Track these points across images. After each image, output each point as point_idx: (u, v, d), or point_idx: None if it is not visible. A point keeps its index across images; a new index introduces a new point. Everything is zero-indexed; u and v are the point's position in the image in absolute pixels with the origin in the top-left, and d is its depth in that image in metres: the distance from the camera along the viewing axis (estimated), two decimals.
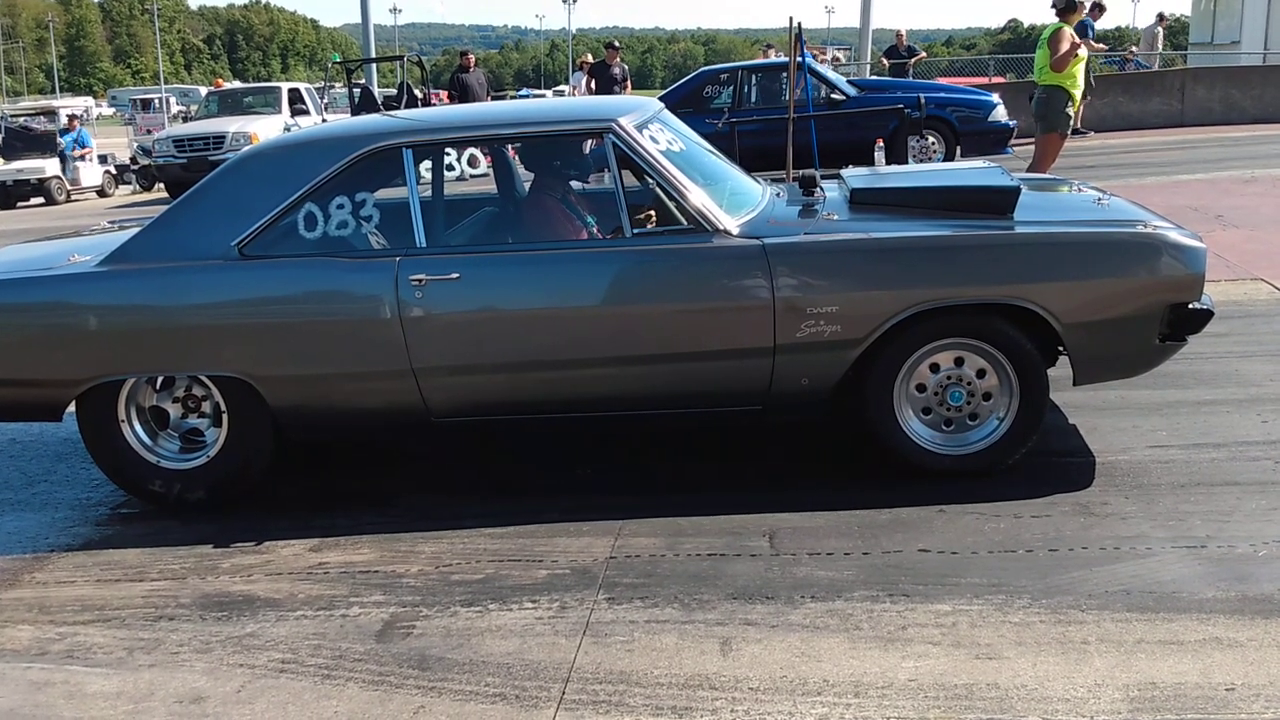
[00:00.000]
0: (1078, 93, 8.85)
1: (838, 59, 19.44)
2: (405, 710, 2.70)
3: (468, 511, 3.88)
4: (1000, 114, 11.97)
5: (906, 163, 10.60)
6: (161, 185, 17.95)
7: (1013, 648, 2.77)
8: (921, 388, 3.80)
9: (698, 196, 3.78)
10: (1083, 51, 8.72)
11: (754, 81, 12.64)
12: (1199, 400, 4.49)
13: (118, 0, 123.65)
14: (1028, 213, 3.87)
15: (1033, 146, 9.30)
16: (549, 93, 52.67)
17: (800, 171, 4.47)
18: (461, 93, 15.73)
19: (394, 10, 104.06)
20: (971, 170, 4.92)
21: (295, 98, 18.52)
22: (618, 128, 3.81)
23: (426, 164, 4.44)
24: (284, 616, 3.22)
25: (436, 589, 3.33)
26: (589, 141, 4.29)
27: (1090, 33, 14.94)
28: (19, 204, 19.02)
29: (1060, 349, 3.79)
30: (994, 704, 2.54)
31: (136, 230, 4.12)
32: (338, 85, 21.30)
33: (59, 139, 19.92)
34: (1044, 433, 3.88)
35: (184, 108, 38.29)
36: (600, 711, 2.63)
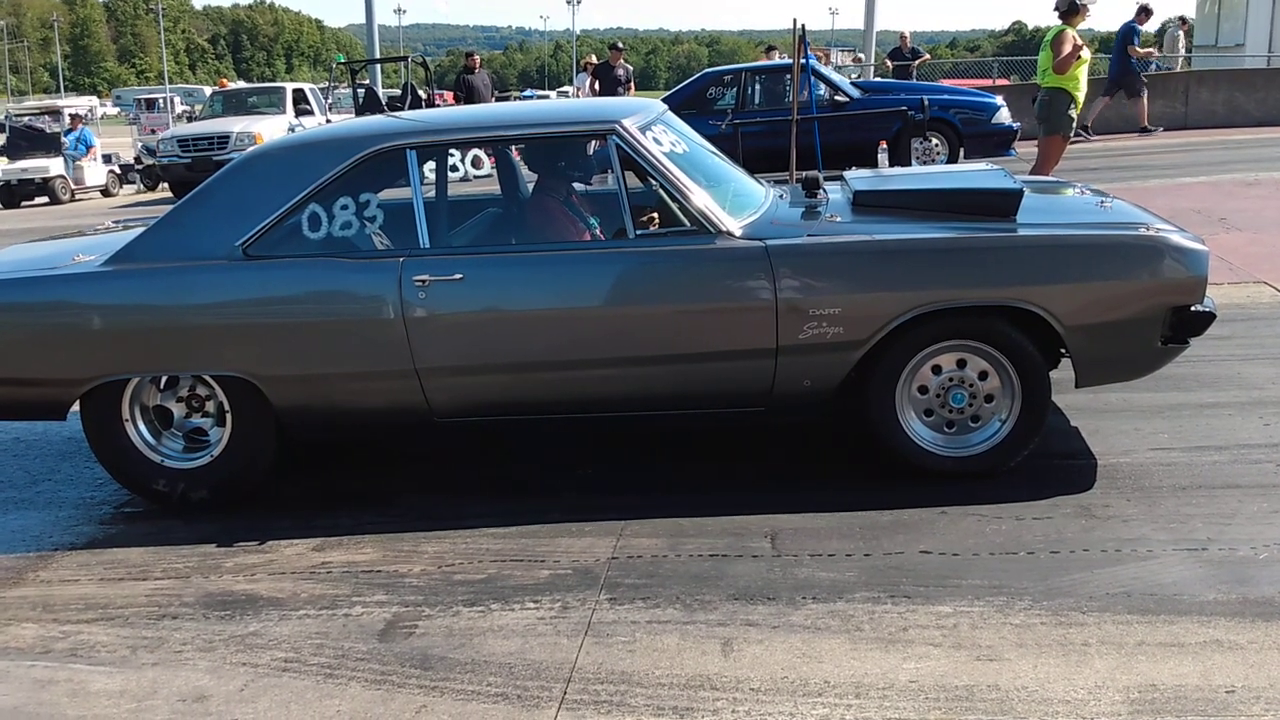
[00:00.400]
0: (1080, 95, 8.85)
1: (859, 59, 19.36)
2: (407, 709, 2.70)
3: (470, 511, 3.89)
4: (1004, 116, 11.96)
5: (910, 165, 10.59)
6: (166, 185, 17.98)
7: (1014, 649, 2.77)
8: (924, 389, 3.80)
9: (701, 198, 3.79)
10: (1085, 54, 8.72)
11: (757, 83, 12.64)
12: (1201, 403, 4.49)
13: (123, 0, 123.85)
14: (1030, 215, 3.87)
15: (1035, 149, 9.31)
16: (553, 94, 52.70)
17: (803, 173, 4.47)
18: (468, 94, 15.75)
19: (398, 11, 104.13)
20: (974, 172, 4.92)
21: (299, 98, 18.53)
22: (621, 129, 3.82)
23: (430, 165, 4.44)
24: (287, 616, 3.23)
25: (439, 589, 3.33)
26: (592, 143, 4.29)
27: (1136, 39, 14.89)
28: (23, 203, 19.05)
29: (1062, 351, 3.79)
30: (995, 705, 2.55)
31: (141, 230, 4.14)
32: (342, 86, 21.28)
33: (63, 138, 19.94)
34: (1046, 435, 3.88)
35: (188, 108, 38.35)
36: (602, 711, 2.64)
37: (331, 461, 4.54)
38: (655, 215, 4.15)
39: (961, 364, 3.78)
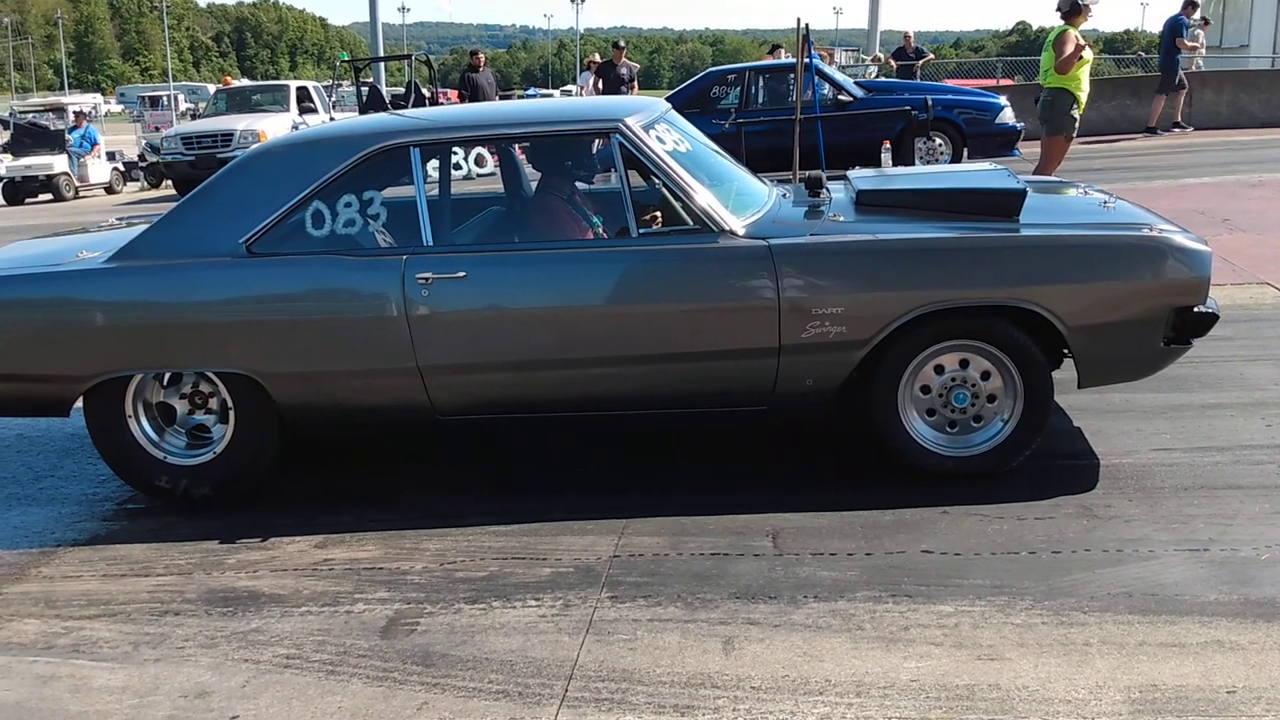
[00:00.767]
0: (1083, 95, 8.84)
1: (878, 59, 19.30)
2: (409, 706, 2.71)
3: (472, 509, 3.89)
4: (1007, 116, 11.96)
5: (913, 164, 10.59)
6: (169, 182, 18.01)
7: (1015, 649, 2.77)
8: (926, 389, 3.80)
9: (704, 197, 3.79)
10: (1087, 54, 8.72)
11: (761, 82, 12.64)
12: (1203, 404, 4.49)
13: None
14: (1034, 215, 3.87)
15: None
16: (557, 92, 52.68)
17: (806, 173, 4.46)
18: (472, 92, 15.75)
19: (402, 9, 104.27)
20: (978, 172, 4.92)
21: (303, 96, 18.54)
22: (624, 128, 3.82)
23: (434, 163, 4.45)
24: (289, 612, 3.24)
25: (440, 586, 3.34)
26: (596, 141, 4.29)
27: (1185, 31, 14.75)
28: (27, 200, 19.09)
29: (1065, 351, 3.79)
30: (995, 705, 2.55)
31: (144, 227, 4.14)
32: (346, 84, 21.30)
33: (67, 136, 19.97)
34: (1048, 435, 3.88)
35: (192, 105, 38.34)
36: (603, 709, 2.64)
37: (334, 459, 4.55)
38: (658, 214, 4.15)
39: (964, 364, 3.78)
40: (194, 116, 28.20)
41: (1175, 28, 14.75)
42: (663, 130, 4.04)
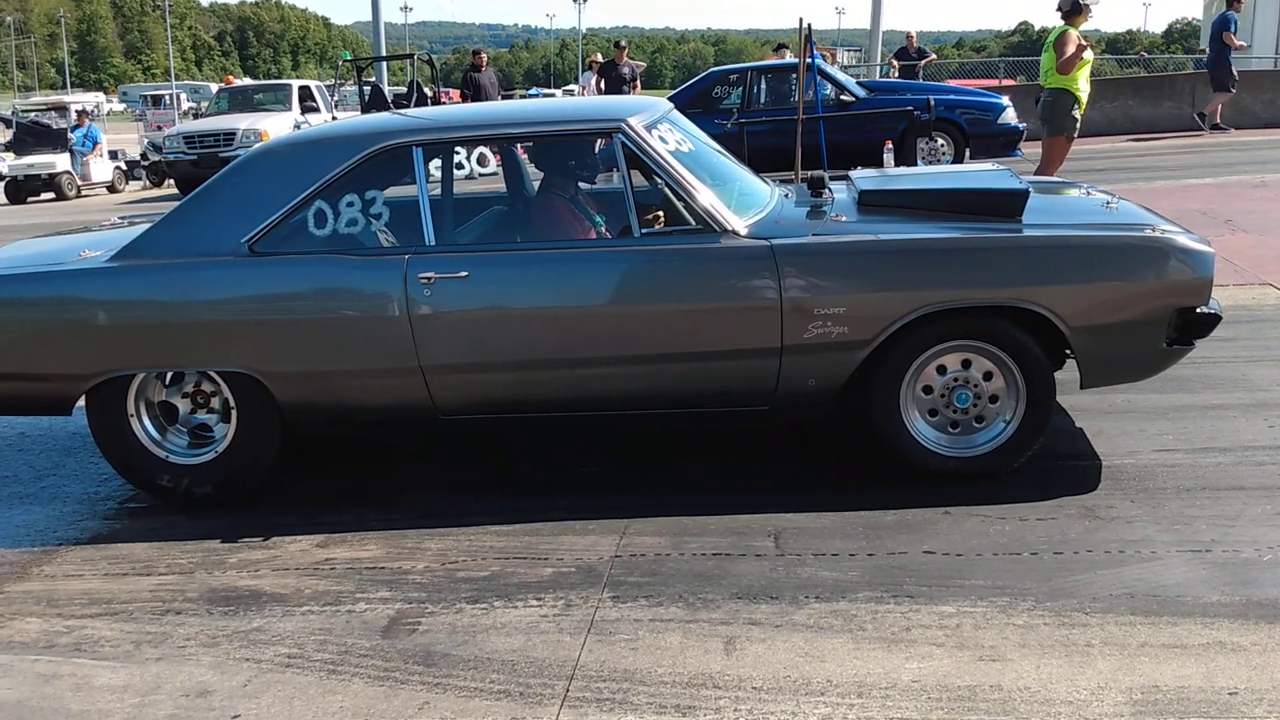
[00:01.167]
0: (1084, 96, 8.83)
1: (893, 63, 19.25)
2: (410, 706, 2.71)
3: (473, 509, 3.89)
4: (1010, 116, 11.96)
5: (915, 165, 10.59)
6: (171, 181, 18.00)
7: (1016, 650, 2.77)
8: (928, 389, 3.80)
9: (706, 197, 3.79)
10: (1088, 54, 8.71)
11: (763, 82, 12.64)
12: (1206, 405, 4.49)
13: None
14: (1036, 216, 3.87)
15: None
16: (559, 92, 52.70)
17: (809, 173, 4.46)
18: (475, 91, 15.76)
19: (405, 8, 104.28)
20: (980, 173, 4.92)
21: (305, 95, 18.54)
22: (627, 127, 3.82)
23: (436, 163, 4.45)
24: (290, 612, 3.24)
25: (442, 586, 3.34)
26: (598, 141, 4.29)
27: (1233, 26, 14.54)
28: (29, 199, 19.10)
29: (1068, 352, 3.79)
30: (997, 705, 2.55)
31: (147, 226, 4.14)
32: (348, 83, 21.31)
33: (70, 135, 19.97)
34: (1050, 436, 3.87)
35: (194, 104, 38.35)
36: (604, 709, 2.64)
37: (335, 458, 4.55)
38: (661, 214, 4.15)
39: (966, 364, 3.78)
40: (196, 115, 28.24)
41: (1224, 23, 14.49)
42: (665, 130, 4.04)
